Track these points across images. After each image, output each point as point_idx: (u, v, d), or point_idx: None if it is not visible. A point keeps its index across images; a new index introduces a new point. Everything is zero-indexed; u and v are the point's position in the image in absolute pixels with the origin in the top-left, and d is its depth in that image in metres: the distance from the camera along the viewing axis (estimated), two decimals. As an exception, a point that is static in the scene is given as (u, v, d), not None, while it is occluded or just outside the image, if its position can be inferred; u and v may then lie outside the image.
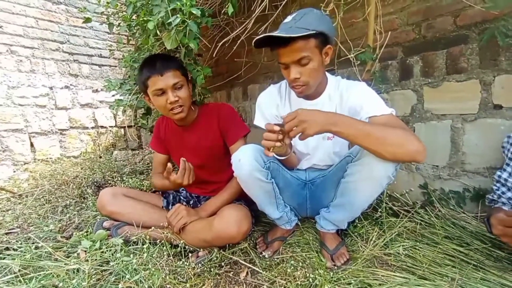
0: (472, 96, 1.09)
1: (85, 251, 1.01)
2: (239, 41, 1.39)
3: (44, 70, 2.48)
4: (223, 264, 0.99)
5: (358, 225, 1.13)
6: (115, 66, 2.92)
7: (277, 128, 0.77)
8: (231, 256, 1.03)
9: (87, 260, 0.93)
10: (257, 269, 0.96)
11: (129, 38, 1.82)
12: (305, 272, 0.88)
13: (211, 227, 0.99)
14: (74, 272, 0.88)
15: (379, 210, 1.15)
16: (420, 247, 0.98)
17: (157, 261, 0.94)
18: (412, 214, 1.16)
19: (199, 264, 0.97)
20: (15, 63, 2.30)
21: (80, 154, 2.65)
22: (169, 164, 1.04)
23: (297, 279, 0.86)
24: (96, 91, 2.82)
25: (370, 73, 1.30)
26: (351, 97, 0.95)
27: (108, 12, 1.60)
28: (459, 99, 1.12)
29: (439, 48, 1.16)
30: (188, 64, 1.20)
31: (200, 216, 1.08)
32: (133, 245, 1.04)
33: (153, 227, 1.06)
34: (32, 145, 2.37)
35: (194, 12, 0.99)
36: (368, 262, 0.95)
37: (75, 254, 1.01)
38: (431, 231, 1.06)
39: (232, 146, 1.17)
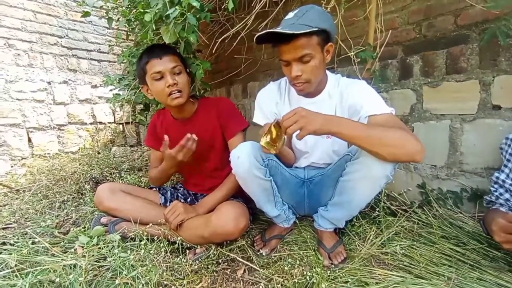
0: (471, 96, 1.09)
1: (82, 247, 1.01)
2: (239, 38, 1.38)
3: (42, 64, 2.46)
4: (220, 261, 0.99)
5: (356, 224, 1.13)
6: (114, 62, 2.90)
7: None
8: (229, 253, 1.03)
9: (84, 256, 0.93)
10: (254, 266, 0.96)
11: (129, 33, 1.80)
12: (303, 270, 0.88)
13: (209, 223, 0.99)
14: (71, 267, 0.88)
15: (377, 209, 1.15)
16: (417, 247, 0.98)
17: (154, 257, 0.94)
18: (410, 213, 1.16)
19: (197, 261, 0.97)
20: (12, 57, 2.28)
21: (78, 150, 2.64)
22: (166, 137, 1.04)
23: (294, 277, 0.86)
24: (95, 86, 2.80)
25: (370, 72, 1.29)
26: (351, 95, 0.95)
27: (107, 6, 1.58)
28: (458, 99, 1.12)
29: (439, 47, 1.16)
30: (187, 58, 1.19)
31: (197, 212, 1.08)
32: (130, 241, 1.04)
33: (150, 224, 1.06)
34: (30, 140, 2.36)
35: (193, 4, 0.97)
36: (365, 260, 0.95)
37: (72, 250, 1.01)
38: (429, 231, 1.06)
39: (230, 140, 1.17)
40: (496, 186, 0.89)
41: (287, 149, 1.07)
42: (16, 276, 0.84)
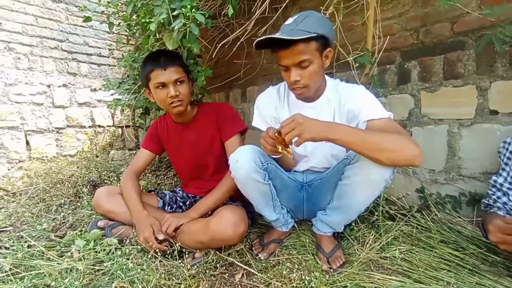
0: (468, 101, 1.10)
1: (79, 251, 1.00)
2: (238, 43, 1.39)
3: (42, 68, 2.46)
4: (218, 265, 0.98)
5: (355, 228, 1.13)
6: (114, 66, 2.92)
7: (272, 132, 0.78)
8: (227, 258, 1.02)
9: (81, 260, 0.92)
10: (252, 271, 0.95)
11: (129, 38, 1.82)
12: (301, 274, 0.88)
13: (207, 229, 0.98)
14: (67, 271, 0.87)
15: (376, 213, 1.15)
16: (416, 251, 0.97)
17: (152, 261, 0.93)
18: (409, 218, 1.16)
19: (195, 266, 0.96)
20: (12, 60, 2.29)
21: (77, 153, 2.63)
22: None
23: (293, 281, 0.85)
24: (95, 90, 2.81)
25: (368, 77, 1.31)
26: (350, 100, 0.96)
27: (109, 11, 1.60)
28: (456, 104, 1.13)
29: (437, 53, 1.17)
30: (190, 65, 1.20)
31: (190, 217, 1.06)
32: (128, 245, 1.03)
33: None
34: (28, 143, 2.35)
35: (198, 18, 0.99)
36: (364, 265, 0.95)
37: (69, 254, 0.99)
38: (427, 235, 1.06)
39: (226, 142, 1.17)
40: (494, 189, 0.90)
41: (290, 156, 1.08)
42: (11, 280, 0.82)
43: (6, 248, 1.04)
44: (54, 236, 1.16)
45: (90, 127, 2.77)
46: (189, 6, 0.98)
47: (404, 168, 1.32)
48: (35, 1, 2.40)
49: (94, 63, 2.81)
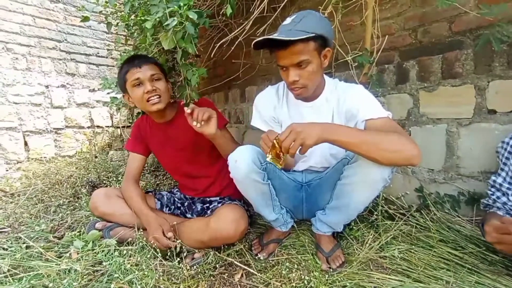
0: (467, 100, 1.10)
1: (77, 252, 0.99)
2: (237, 43, 1.39)
3: (41, 68, 2.45)
4: (217, 265, 0.98)
5: (354, 228, 1.13)
6: (113, 66, 2.91)
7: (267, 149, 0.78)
8: (226, 258, 1.02)
9: (79, 260, 0.92)
10: (252, 271, 0.95)
11: (127, 38, 1.81)
12: (300, 274, 0.88)
13: (208, 227, 0.98)
14: (65, 272, 0.87)
15: (375, 213, 1.15)
16: (415, 250, 0.98)
17: (151, 262, 0.93)
18: (408, 217, 1.16)
19: (194, 266, 0.96)
20: (10, 61, 2.28)
21: (75, 153, 2.62)
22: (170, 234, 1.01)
23: (292, 281, 0.85)
24: (93, 90, 2.80)
25: (367, 76, 1.31)
26: (348, 99, 0.96)
27: (107, 11, 1.60)
28: (454, 103, 1.14)
29: (435, 53, 1.17)
30: (184, 65, 1.20)
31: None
32: (126, 246, 1.03)
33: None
34: (26, 144, 2.34)
35: (190, 16, 0.99)
36: (364, 264, 0.95)
37: (67, 255, 0.99)
38: (426, 235, 1.06)
39: None
40: (493, 189, 0.90)
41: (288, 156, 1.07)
42: (9, 281, 0.82)
43: (4, 249, 1.04)
44: (53, 237, 1.15)
45: (88, 127, 2.76)
46: (182, 4, 0.97)
47: (403, 168, 1.32)
48: (32, 1, 2.39)
49: (93, 64, 2.81)
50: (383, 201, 1.19)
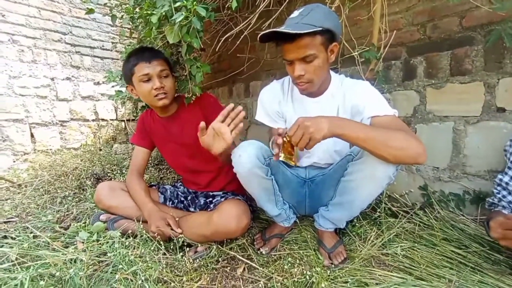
0: (475, 98, 1.08)
1: (83, 242, 1.01)
2: (242, 37, 1.37)
3: (46, 60, 2.46)
4: (220, 259, 0.99)
5: (357, 224, 1.13)
6: (117, 59, 2.90)
7: (276, 151, 0.77)
8: (229, 252, 1.03)
9: (85, 251, 0.93)
10: (254, 265, 0.96)
11: (132, 31, 1.81)
12: (302, 269, 0.88)
13: (210, 222, 0.99)
14: (71, 262, 0.88)
15: (378, 210, 1.15)
16: (418, 248, 0.97)
17: (155, 254, 0.94)
18: (411, 215, 1.16)
19: (197, 260, 0.97)
20: (16, 53, 2.28)
21: (80, 146, 2.65)
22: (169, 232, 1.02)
23: (294, 276, 0.86)
24: (98, 83, 2.80)
25: (373, 72, 1.29)
26: (354, 95, 0.95)
27: (111, 4, 1.59)
28: (462, 101, 1.12)
29: (444, 49, 1.15)
30: (188, 60, 1.19)
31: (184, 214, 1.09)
32: (130, 238, 1.05)
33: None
34: (32, 135, 2.36)
35: (199, 11, 0.97)
36: (366, 261, 0.95)
37: (73, 245, 1.01)
38: (430, 233, 1.05)
39: None
40: (499, 188, 0.89)
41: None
42: (17, 269, 0.84)
43: (12, 238, 1.06)
44: (59, 227, 1.18)
45: (93, 120, 2.78)
46: (191, -1, 0.97)
47: (407, 165, 1.31)
48: (38, -8, 2.38)
49: (97, 56, 2.81)
50: (386, 198, 1.18)
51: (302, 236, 1.14)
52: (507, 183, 0.86)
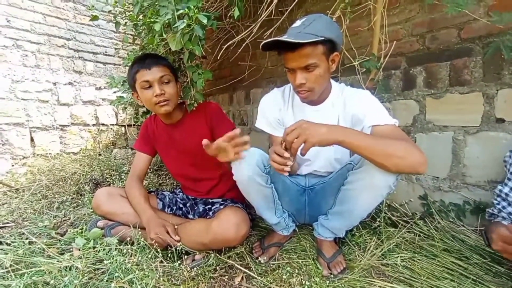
0: (474, 108, 1.09)
1: (79, 249, 1.00)
2: (243, 45, 1.39)
3: (49, 65, 2.49)
4: (218, 268, 0.97)
5: (356, 234, 1.12)
6: (119, 65, 2.93)
7: (287, 154, 0.76)
8: (227, 260, 1.01)
9: (81, 258, 0.92)
10: (252, 274, 0.95)
11: (135, 37, 1.83)
12: (301, 279, 0.87)
13: (209, 229, 0.98)
14: (66, 269, 0.87)
15: (378, 219, 1.14)
16: (419, 259, 0.96)
17: (152, 261, 0.93)
18: (411, 225, 1.15)
19: (194, 268, 0.95)
20: (20, 58, 2.31)
21: (80, 150, 2.65)
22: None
23: (293, 286, 0.85)
24: (99, 88, 2.82)
25: (373, 82, 1.30)
26: (355, 104, 0.95)
27: (116, 11, 1.61)
28: (461, 111, 1.12)
29: (443, 59, 1.16)
30: (190, 67, 1.20)
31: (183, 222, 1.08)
32: (127, 245, 1.03)
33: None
34: (32, 139, 2.36)
35: (200, 19, 0.99)
36: (365, 271, 0.94)
37: (69, 252, 0.99)
38: (430, 243, 1.04)
39: None
40: (499, 199, 0.88)
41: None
42: (11, 276, 0.83)
43: (7, 244, 1.04)
44: (55, 233, 1.16)
45: (94, 125, 2.79)
46: (193, 7, 0.98)
47: (407, 175, 1.31)
48: (44, -1, 2.42)
49: (100, 62, 2.84)
50: (386, 208, 1.18)
51: (301, 245, 1.12)
52: (507, 194, 0.86)
